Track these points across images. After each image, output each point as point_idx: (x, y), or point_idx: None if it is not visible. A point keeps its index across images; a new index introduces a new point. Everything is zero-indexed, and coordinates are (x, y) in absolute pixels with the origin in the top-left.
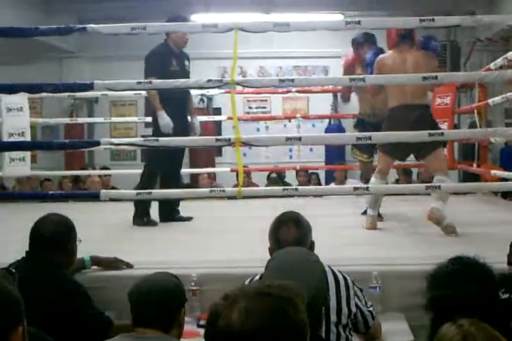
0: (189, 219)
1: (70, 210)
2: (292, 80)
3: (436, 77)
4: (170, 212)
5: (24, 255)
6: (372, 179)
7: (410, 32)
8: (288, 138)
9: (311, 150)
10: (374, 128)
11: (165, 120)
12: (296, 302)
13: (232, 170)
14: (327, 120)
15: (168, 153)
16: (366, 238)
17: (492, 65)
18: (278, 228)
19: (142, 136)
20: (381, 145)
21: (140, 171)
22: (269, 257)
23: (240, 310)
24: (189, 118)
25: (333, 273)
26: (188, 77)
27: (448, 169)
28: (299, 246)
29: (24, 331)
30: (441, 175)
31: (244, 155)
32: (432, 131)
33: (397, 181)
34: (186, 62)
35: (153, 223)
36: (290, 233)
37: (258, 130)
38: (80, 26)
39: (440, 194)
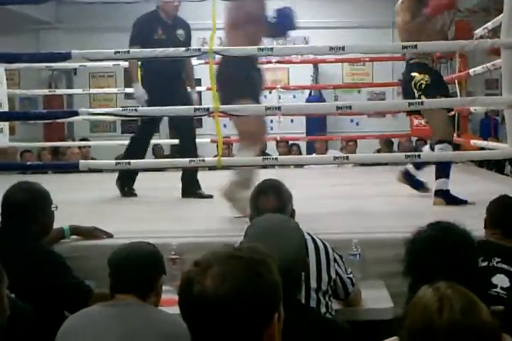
0: (210, 196)
1: (49, 182)
2: (271, 49)
3: (415, 46)
4: (190, 186)
5: None
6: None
7: None
8: (268, 108)
9: (291, 121)
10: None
11: (139, 92)
12: (268, 262)
13: (212, 141)
14: (307, 91)
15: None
16: (346, 208)
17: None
18: (258, 196)
19: (122, 108)
20: None
21: (119, 142)
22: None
23: (212, 275)
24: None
25: (313, 240)
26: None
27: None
28: (279, 213)
29: (3, 297)
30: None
31: (225, 126)
32: (411, 101)
33: (378, 152)
34: (180, 31)
35: (132, 194)
36: (270, 201)
37: None
38: None
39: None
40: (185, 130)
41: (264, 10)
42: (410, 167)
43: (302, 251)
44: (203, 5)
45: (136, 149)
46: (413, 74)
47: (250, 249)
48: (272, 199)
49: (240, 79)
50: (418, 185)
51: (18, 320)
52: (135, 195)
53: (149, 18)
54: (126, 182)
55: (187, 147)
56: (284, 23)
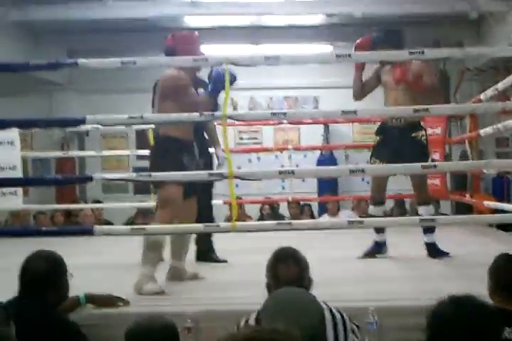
0: (224, 261)
1: (63, 244)
2: (284, 114)
3: (427, 110)
4: (205, 251)
5: (16, 294)
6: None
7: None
8: (281, 172)
9: (303, 180)
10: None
11: None
12: None
13: (225, 203)
14: (319, 150)
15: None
16: (361, 272)
17: (482, 96)
18: (276, 265)
19: (134, 169)
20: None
21: (131, 204)
22: (265, 293)
23: None
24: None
25: (330, 310)
26: None
27: (441, 199)
28: (298, 282)
29: None
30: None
31: (236, 186)
32: (424, 164)
33: (391, 211)
34: (200, 90)
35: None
36: (289, 270)
37: (250, 161)
38: (71, 61)
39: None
40: (204, 191)
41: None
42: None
43: (321, 325)
44: None
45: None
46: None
47: (271, 330)
48: (291, 268)
49: (163, 163)
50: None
51: None
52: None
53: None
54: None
55: (203, 209)
56: (213, 86)
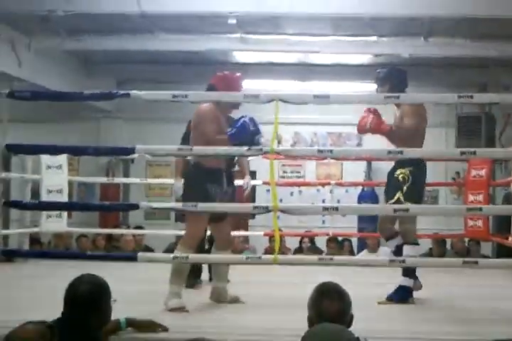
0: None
1: (103, 268)
2: (331, 151)
3: (474, 153)
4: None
5: (60, 315)
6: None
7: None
8: (325, 208)
9: (343, 215)
10: None
11: (176, 186)
12: None
13: (265, 235)
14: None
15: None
16: (400, 310)
17: None
18: (321, 299)
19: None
20: None
21: (173, 232)
22: (305, 327)
23: None
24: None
25: None
26: None
27: (482, 240)
28: (341, 318)
29: None
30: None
31: (278, 217)
32: (469, 206)
33: (430, 250)
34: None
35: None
36: (333, 305)
37: (292, 194)
38: (123, 92)
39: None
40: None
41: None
42: None
43: None
44: None
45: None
46: None
47: None
48: (335, 304)
49: (192, 189)
50: None
51: None
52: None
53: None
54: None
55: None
56: (235, 135)
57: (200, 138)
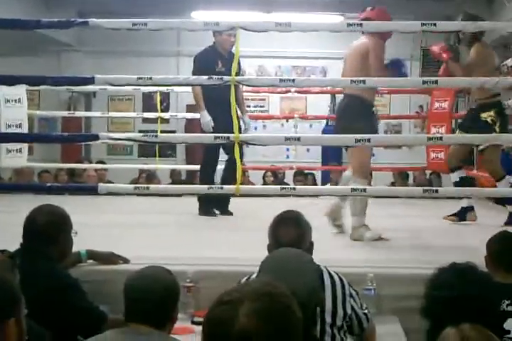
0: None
1: (65, 203)
2: (293, 80)
3: (436, 82)
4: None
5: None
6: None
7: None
8: (287, 138)
9: (307, 150)
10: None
11: (206, 119)
12: (292, 298)
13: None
14: (324, 121)
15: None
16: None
17: None
18: (277, 226)
19: (139, 131)
20: None
21: (136, 166)
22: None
23: (248, 314)
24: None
25: (329, 274)
26: None
27: (444, 172)
28: (298, 245)
29: (21, 323)
30: (354, 177)
31: (242, 153)
32: (430, 135)
33: (392, 184)
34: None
35: (212, 214)
36: (289, 232)
37: (256, 129)
38: (82, 20)
39: (353, 208)
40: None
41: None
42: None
43: (317, 285)
44: (258, 34)
45: (207, 174)
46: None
47: (273, 284)
48: (291, 231)
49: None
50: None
51: None
52: (214, 214)
53: (210, 53)
54: (204, 203)
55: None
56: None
57: (362, 71)
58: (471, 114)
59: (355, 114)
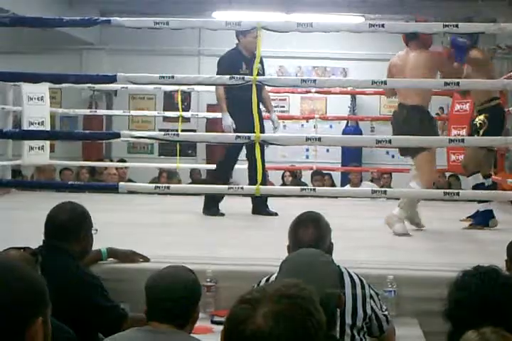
0: (275, 214)
1: (87, 201)
2: (314, 81)
3: (458, 83)
4: (259, 205)
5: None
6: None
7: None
8: (308, 138)
9: (327, 151)
10: None
11: (227, 122)
12: (314, 300)
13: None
14: (344, 121)
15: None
16: (383, 241)
17: None
18: (297, 227)
19: (160, 130)
20: None
21: (157, 165)
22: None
23: (265, 314)
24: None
25: (350, 275)
26: None
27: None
28: (317, 246)
29: (46, 322)
30: (414, 182)
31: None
32: (452, 137)
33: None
34: (259, 66)
35: (219, 214)
36: (308, 233)
37: (275, 129)
38: (104, 19)
39: (403, 201)
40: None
41: None
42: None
43: (336, 286)
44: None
45: (223, 172)
46: None
47: (296, 286)
48: (310, 232)
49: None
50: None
51: None
52: (221, 214)
53: (233, 55)
54: (211, 203)
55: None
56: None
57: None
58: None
59: (419, 124)
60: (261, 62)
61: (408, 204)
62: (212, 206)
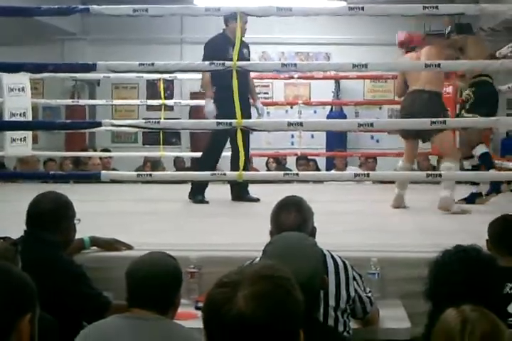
0: (257, 200)
1: (70, 191)
2: (295, 65)
3: (439, 65)
4: (240, 191)
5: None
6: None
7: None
8: (290, 123)
9: (312, 136)
10: None
11: (209, 108)
12: (292, 280)
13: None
14: (329, 107)
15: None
16: (366, 224)
17: (497, 55)
18: (279, 212)
19: (144, 119)
20: (399, 133)
21: (140, 154)
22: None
23: (245, 296)
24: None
25: (333, 257)
26: None
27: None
28: (300, 230)
29: (33, 318)
30: (448, 161)
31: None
32: (434, 119)
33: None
34: (245, 51)
35: (204, 201)
36: (290, 217)
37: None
38: (82, 7)
39: (447, 182)
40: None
41: None
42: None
43: (320, 269)
44: (261, 21)
45: (209, 160)
46: None
47: (274, 267)
48: (293, 216)
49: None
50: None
51: (44, 334)
52: (206, 202)
53: (220, 40)
54: (197, 191)
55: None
56: None
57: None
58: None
59: (439, 109)
60: (247, 47)
61: (451, 183)
62: (198, 193)
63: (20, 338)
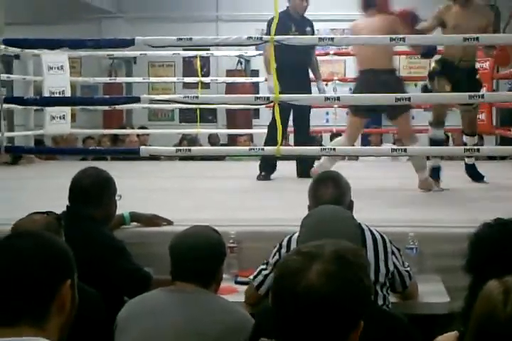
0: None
1: (110, 168)
2: (332, 39)
3: (477, 39)
4: (305, 168)
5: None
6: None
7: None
8: (327, 98)
9: (347, 114)
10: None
11: (270, 83)
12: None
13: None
14: None
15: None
16: (405, 200)
17: None
18: (316, 186)
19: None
20: (351, 109)
21: (177, 131)
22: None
23: (319, 272)
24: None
25: (371, 231)
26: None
27: (486, 134)
28: (337, 204)
29: (74, 286)
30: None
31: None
32: (471, 94)
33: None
34: (308, 28)
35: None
36: (328, 191)
37: None
38: None
39: (418, 164)
40: (301, 121)
41: None
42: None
43: (358, 240)
44: None
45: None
46: None
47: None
48: (330, 190)
49: None
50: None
51: (87, 306)
52: (268, 179)
53: (283, 17)
54: (265, 168)
55: (301, 138)
56: None
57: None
58: None
59: (401, 86)
60: (311, 25)
61: (421, 164)
62: (262, 170)
63: (63, 301)
